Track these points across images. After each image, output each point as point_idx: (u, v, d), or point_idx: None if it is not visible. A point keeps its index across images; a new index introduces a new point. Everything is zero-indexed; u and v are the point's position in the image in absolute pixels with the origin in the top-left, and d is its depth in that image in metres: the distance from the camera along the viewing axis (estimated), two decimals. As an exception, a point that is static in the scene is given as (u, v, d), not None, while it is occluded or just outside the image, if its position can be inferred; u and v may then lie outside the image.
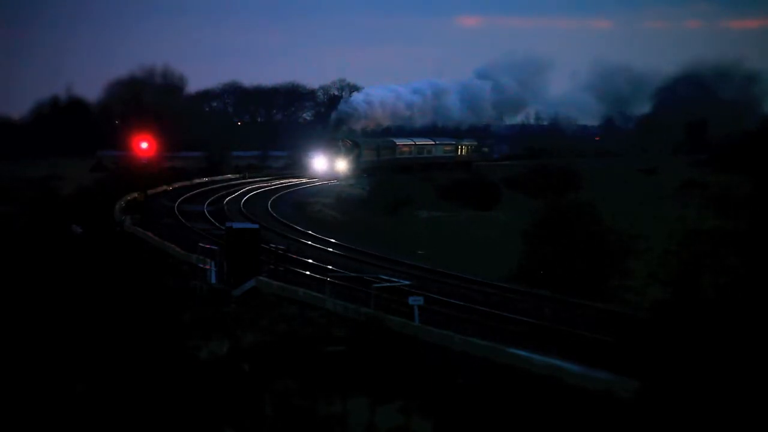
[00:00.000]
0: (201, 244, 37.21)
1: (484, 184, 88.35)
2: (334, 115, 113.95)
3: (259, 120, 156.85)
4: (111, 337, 25.68)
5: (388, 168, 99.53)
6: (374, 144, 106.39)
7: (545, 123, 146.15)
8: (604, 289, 39.53)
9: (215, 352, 25.42)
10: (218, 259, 35.11)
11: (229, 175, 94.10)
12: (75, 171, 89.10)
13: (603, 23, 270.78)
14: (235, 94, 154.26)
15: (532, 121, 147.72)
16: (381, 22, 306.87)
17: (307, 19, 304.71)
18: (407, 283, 32.07)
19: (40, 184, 78.25)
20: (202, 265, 35.12)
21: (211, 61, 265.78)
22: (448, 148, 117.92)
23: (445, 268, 41.30)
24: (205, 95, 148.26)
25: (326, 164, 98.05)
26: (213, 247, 36.62)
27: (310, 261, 40.51)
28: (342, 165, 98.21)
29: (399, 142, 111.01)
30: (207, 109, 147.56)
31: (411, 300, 27.83)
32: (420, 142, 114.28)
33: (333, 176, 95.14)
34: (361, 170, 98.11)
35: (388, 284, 31.34)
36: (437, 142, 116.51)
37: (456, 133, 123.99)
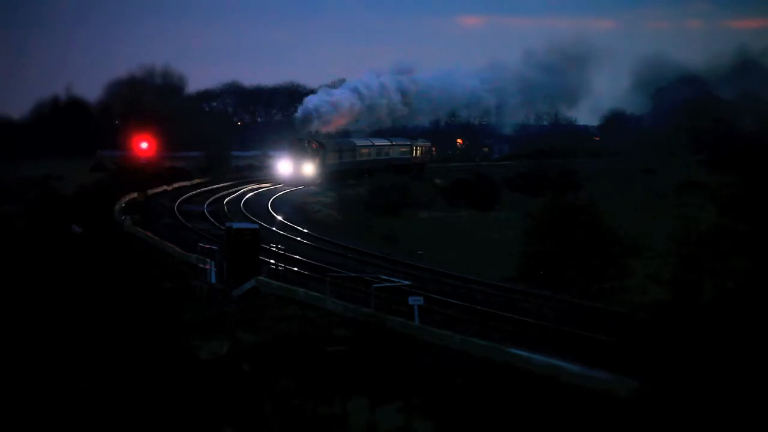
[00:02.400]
0: (201, 244, 37.21)
1: (485, 184, 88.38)
2: (300, 112, 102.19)
3: (259, 120, 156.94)
4: (111, 336, 25.69)
5: (350, 173, 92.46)
6: (337, 145, 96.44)
7: (545, 123, 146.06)
8: (604, 289, 39.57)
9: (215, 352, 25.43)
10: (218, 259, 35.12)
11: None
12: (75, 171, 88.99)
13: (604, 23, 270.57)
14: (235, 94, 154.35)
15: (531, 121, 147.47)
16: (381, 22, 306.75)
17: (307, 19, 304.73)
18: (407, 283, 32.05)
19: (40, 184, 78.29)
20: (202, 265, 35.12)
21: (211, 61, 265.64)
22: (404, 149, 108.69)
23: (445, 268, 41.32)
24: (205, 95, 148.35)
25: (292, 168, 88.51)
26: (213, 247, 36.63)
27: (310, 261, 40.53)
28: (309, 169, 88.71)
29: (359, 143, 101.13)
30: (207, 109, 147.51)
31: (411, 300, 27.84)
32: (378, 143, 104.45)
33: (299, 181, 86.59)
34: (327, 175, 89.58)
35: (388, 284, 31.34)
36: (393, 143, 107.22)
37: (411, 133, 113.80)
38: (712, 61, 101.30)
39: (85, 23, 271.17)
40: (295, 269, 37.61)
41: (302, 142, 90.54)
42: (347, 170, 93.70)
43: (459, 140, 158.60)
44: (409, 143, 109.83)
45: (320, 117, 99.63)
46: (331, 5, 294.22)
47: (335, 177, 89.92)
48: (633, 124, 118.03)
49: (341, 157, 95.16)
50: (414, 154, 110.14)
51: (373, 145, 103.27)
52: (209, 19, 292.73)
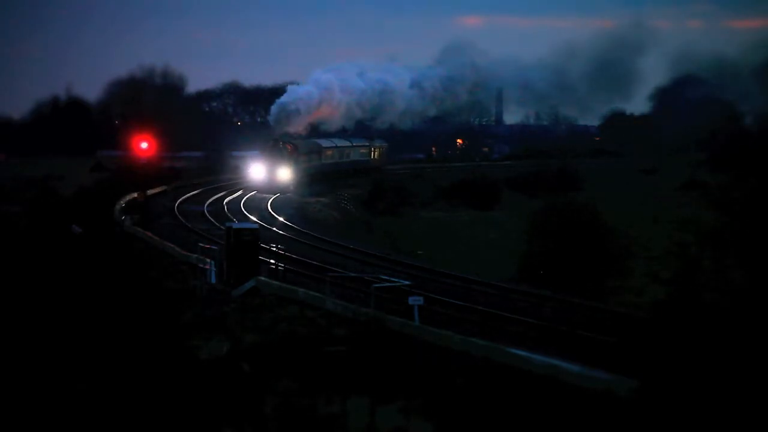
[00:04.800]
0: (201, 244, 37.18)
1: (485, 184, 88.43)
2: (275, 107, 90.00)
3: (259, 120, 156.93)
4: (111, 336, 25.68)
5: (316, 176, 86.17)
6: (307, 147, 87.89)
7: (545, 123, 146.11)
8: (604, 288, 39.57)
9: (215, 352, 25.42)
10: (218, 259, 35.10)
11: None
12: (75, 171, 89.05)
13: (604, 23, 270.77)
14: (235, 94, 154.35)
15: (532, 121, 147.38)
16: (381, 22, 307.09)
17: (307, 19, 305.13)
18: (407, 283, 32.01)
19: (40, 184, 78.33)
20: (201, 265, 35.11)
21: (211, 61, 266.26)
22: (363, 150, 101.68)
23: (445, 268, 41.30)
24: (205, 95, 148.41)
25: (266, 172, 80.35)
26: (213, 247, 36.60)
27: (310, 262, 40.51)
28: (285, 173, 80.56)
29: (324, 144, 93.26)
30: (207, 109, 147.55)
31: (411, 300, 27.80)
32: (340, 144, 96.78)
33: (275, 187, 79.19)
34: (298, 179, 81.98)
35: (388, 284, 31.30)
36: (354, 144, 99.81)
37: (368, 133, 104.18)
38: (746, 52, 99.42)
39: (85, 23, 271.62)
40: (295, 269, 37.58)
41: (277, 144, 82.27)
42: (314, 174, 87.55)
43: (459, 140, 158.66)
44: (367, 144, 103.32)
45: (295, 114, 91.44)
46: (331, 5, 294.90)
47: (304, 181, 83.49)
48: (634, 122, 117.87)
49: (310, 159, 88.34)
50: (372, 156, 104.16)
51: (336, 147, 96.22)
52: (209, 19, 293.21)
